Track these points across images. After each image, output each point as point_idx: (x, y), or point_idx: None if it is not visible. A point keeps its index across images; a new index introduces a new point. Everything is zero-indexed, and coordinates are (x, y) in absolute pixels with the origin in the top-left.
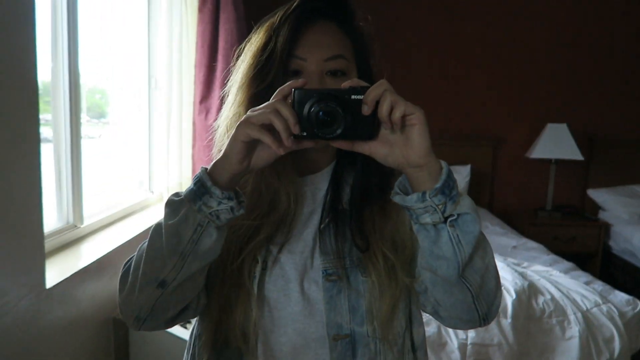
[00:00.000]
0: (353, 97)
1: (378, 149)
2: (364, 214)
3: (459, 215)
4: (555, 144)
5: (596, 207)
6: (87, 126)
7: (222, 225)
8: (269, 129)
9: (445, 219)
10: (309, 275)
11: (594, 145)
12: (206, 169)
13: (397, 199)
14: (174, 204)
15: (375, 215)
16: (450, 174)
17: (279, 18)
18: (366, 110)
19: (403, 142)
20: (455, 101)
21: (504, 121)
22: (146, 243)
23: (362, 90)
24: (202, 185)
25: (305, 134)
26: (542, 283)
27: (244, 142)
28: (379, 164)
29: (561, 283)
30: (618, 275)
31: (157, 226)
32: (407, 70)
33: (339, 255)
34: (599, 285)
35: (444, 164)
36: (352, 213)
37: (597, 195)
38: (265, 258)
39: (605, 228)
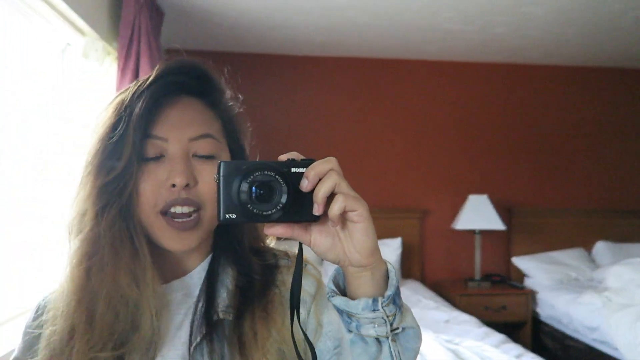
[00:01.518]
0: (293, 170)
1: (320, 241)
2: (244, 321)
3: (403, 329)
4: (478, 214)
5: (522, 274)
6: None
7: None
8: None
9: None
10: None
11: (512, 214)
12: None
13: (337, 301)
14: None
15: (257, 323)
16: (398, 279)
17: (130, 94)
18: (306, 185)
19: (345, 237)
20: (380, 175)
21: (428, 193)
22: None
23: (303, 163)
24: None
25: (234, 216)
26: None
27: None
28: (262, 255)
29: (493, 359)
30: (548, 342)
31: None
32: (329, 147)
33: None
34: (529, 357)
35: (389, 266)
36: (231, 323)
37: (521, 262)
38: None
39: (532, 295)
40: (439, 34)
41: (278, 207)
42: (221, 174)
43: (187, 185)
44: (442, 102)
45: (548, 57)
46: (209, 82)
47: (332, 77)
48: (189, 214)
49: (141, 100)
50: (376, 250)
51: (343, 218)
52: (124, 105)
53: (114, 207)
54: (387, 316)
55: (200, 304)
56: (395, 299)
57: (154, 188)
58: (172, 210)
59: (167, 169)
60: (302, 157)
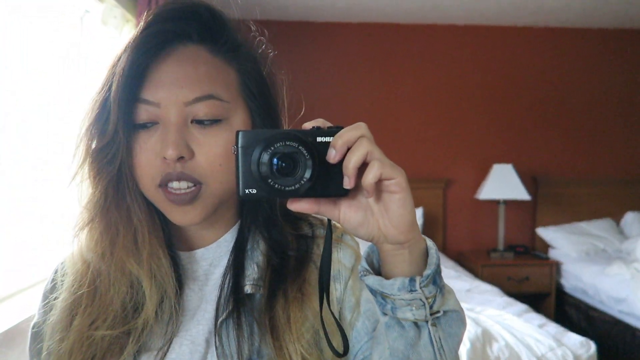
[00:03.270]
0: (319, 139)
1: (350, 215)
2: (276, 302)
3: (444, 312)
4: (502, 184)
5: (546, 245)
6: None
7: None
8: None
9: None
10: None
11: (539, 184)
12: None
13: (370, 281)
14: None
15: (291, 304)
16: (439, 256)
17: (123, 47)
18: (333, 155)
19: (380, 210)
20: (403, 144)
21: (452, 163)
22: None
23: (330, 132)
24: None
25: (254, 191)
26: (496, 329)
27: None
28: (295, 224)
29: (515, 327)
30: (572, 314)
31: None
32: (351, 117)
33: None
34: (552, 327)
35: (429, 242)
36: (262, 302)
37: (546, 233)
38: None
39: (557, 266)
40: None
41: (302, 182)
42: (239, 144)
43: (181, 157)
44: (467, 68)
45: (580, 20)
46: (215, 22)
47: (353, 44)
48: (187, 189)
49: (126, 55)
50: (414, 225)
51: (378, 189)
52: (113, 63)
53: (105, 176)
54: (426, 298)
55: (228, 277)
56: (436, 279)
57: (149, 160)
58: (169, 185)
59: (160, 138)
60: (329, 124)
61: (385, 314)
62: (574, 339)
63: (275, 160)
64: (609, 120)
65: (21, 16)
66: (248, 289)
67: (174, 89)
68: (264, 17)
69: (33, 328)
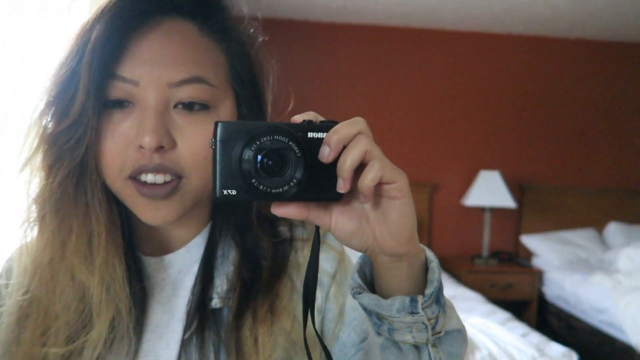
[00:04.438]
0: (310, 134)
1: (343, 223)
2: (244, 321)
3: (446, 332)
4: (489, 191)
5: (530, 253)
6: None
7: None
8: None
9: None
10: None
11: (525, 192)
12: None
13: (365, 300)
14: None
15: (259, 326)
16: (440, 271)
17: (94, 14)
18: (327, 154)
19: (377, 218)
20: (390, 148)
21: (438, 168)
22: None
23: (323, 127)
24: None
25: (234, 192)
26: (479, 338)
27: None
28: (273, 227)
29: (498, 336)
30: (554, 323)
31: None
32: (339, 118)
33: None
34: (535, 337)
35: (429, 254)
36: (228, 322)
37: (530, 241)
38: None
39: (539, 275)
40: (461, 2)
41: (291, 184)
42: (218, 137)
43: (161, 147)
44: (457, 74)
45: (571, 30)
46: None
47: (343, 45)
48: (163, 184)
49: (101, 23)
50: (414, 236)
51: (376, 193)
52: (83, 30)
53: (64, 166)
54: (429, 319)
55: (196, 288)
56: (439, 297)
57: (120, 147)
58: (143, 178)
59: (136, 123)
60: (322, 118)
61: (380, 334)
62: (556, 350)
63: (260, 157)
64: (595, 130)
65: (21, 16)
66: (216, 302)
67: (157, 67)
68: (254, 14)
69: None
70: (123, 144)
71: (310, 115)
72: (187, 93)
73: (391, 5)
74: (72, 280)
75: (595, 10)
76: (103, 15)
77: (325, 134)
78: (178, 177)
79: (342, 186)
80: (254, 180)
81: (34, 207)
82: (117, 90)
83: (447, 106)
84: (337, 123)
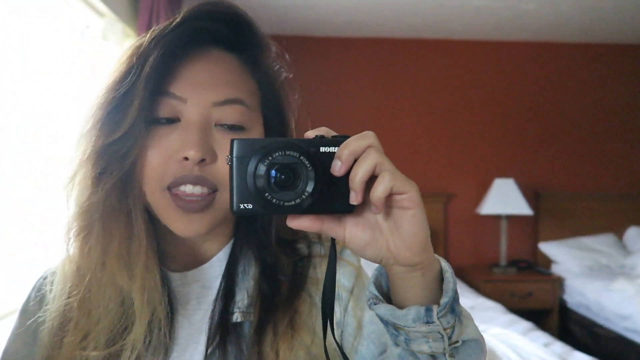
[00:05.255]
0: (322, 149)
1: (357, 234)
2: (265, 336)
3: (464, 342)
4: (504, 198)
5: (549, 261)
6: None
7: None
8: None
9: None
10: None
11: (540, 199)
12: None
13: (381, 311)
14: None
15: (280, 341)
16: (456, 280)
17: (149, 39)
18: (338, 167)
19: (390, 228)
20: (404, 158)
21: (453, 177)
22: None
23: (334, 141)
24: None
25: (250, 206)
26: (501, 349)
27: None
28: (292, 245)
29: (520, 347)
30: (576, 331)
31: None
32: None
33: None
34: (558, 346)
35: (444, 263)
36: (250, 332)
37: (548, 248)
38: None
39: (560, 282)
40: (466, 11)
41: (303, 197)
42: (234, 154)
43: (202, 160)
44: (468, 82)
45: (580, 35)
46: (249, 32)
47: (354, 59)
48: (200, 195)
49: (158, 48)
50: (428, 245)
51: (388, 204)
52: (139, 52)
53: (113, 175)
54: (444, 329)
55: (217, 302)
56: (454, 307)
57: (163, 158)
58: (182, 188)
59: (181, 137)
60: (334, 133)
61: (397, 345)
62: (581, 359)
63: (273, 172)
64: (610, 134)
65: (21, 16)
66: (237, 316)
67: (204, 88)
68: (264, 31)
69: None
70: (166, 156)
71: (322, 131)
72: (228, 113)
73: (396, 17)
74: (113, 286)
75: (602, 14)
76: (159, 41)
77: (336, 148)
78: (214, 190)
79: (354, 198)
80: (267, 194)
81: (78, 217)
82: (166, 106)
83: (458, 115)
84: (348, 137)
